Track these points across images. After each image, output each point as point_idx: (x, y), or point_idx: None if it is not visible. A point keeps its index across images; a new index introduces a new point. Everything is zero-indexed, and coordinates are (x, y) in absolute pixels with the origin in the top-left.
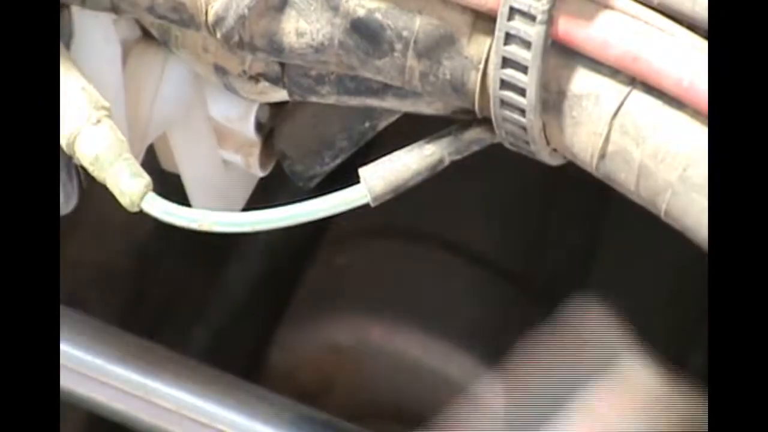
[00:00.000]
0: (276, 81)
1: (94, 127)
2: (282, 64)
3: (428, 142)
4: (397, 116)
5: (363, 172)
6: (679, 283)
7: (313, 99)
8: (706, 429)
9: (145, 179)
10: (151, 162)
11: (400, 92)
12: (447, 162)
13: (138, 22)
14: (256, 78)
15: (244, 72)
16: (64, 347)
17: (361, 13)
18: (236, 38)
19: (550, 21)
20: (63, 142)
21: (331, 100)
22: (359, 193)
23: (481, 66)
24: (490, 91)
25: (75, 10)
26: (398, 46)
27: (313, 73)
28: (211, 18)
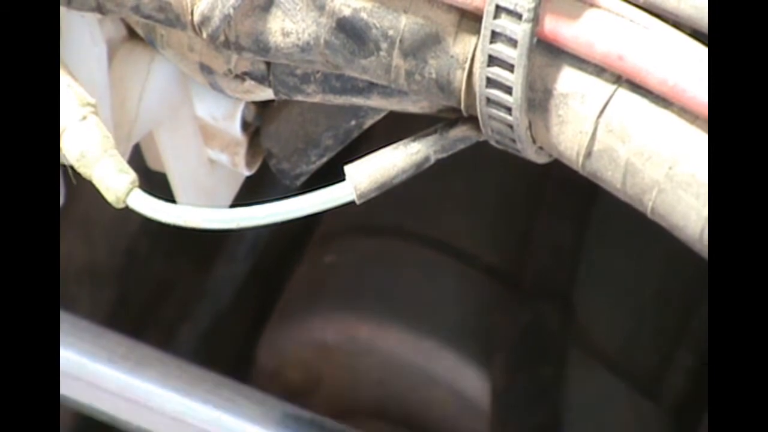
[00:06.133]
0: (262, 80)
1: (80, 124)
2: (268, 63)
3: (414, 140)
4: (383, 114)
5: (349, 169)
6: (665, 281)
7: (299, 98)
8: None
9: (131, 175)
10: (137, 161)
11: (386, 91)
12: (433, 160)
13: (124, 21)
14: (241, 77)
15: (230, 71)
16: None
17: (346, 12)
18: (222, 38)
19: (536, 19)
20: None
21: (317, 98)
22: (345, 190)
23: (467, 65)
24: (476, 89)
25: (61, 10)
26: (384, 46)
27: (299, 71)
28: (196, 18)
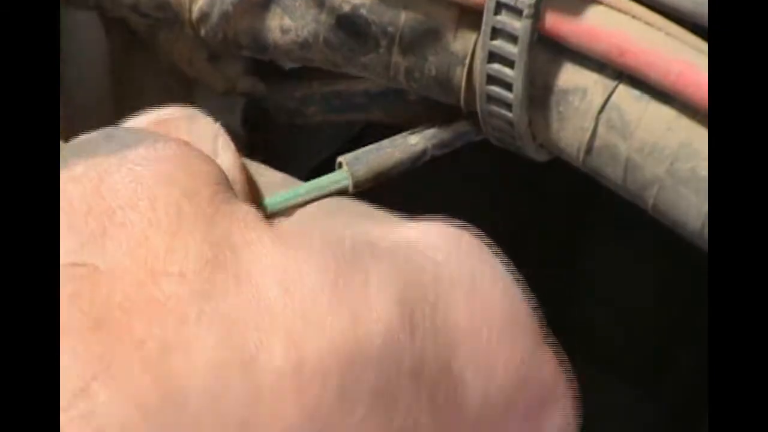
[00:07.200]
0: (262, 102)
1: None
2: (268, 86)
3: (412, 134)
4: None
5: (345, 158)
6: (666, 279)
7: (301, 121)
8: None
9: None
10: None
11: (386, 105)
12: (430, 154)
13: (126, 22)
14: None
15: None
16: None
17: (346, 9)
18: (220, 35)
19: (536, 15)
20: None
21: (318, 119)
22: (340, 177)
23: (467, 61)
24: (476, 86)
25: (62, 10)
26: (384, 42)
27: (298, 94)
28: (195, 15)
